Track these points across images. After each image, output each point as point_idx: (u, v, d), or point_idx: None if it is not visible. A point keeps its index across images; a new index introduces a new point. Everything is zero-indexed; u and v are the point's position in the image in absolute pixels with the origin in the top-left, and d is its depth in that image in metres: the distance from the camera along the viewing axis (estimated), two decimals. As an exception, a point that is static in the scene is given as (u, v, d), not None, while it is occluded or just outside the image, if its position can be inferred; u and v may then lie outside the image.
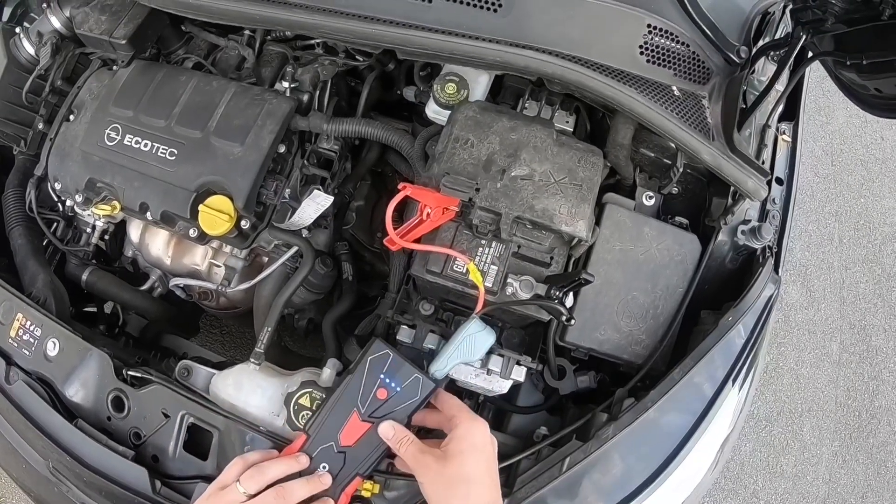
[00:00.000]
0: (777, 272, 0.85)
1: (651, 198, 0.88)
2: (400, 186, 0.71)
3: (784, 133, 0.97)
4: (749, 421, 1.96)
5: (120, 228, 1.10)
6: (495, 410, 0.89)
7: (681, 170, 0.80)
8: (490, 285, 0.74)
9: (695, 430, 0.73)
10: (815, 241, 2.31)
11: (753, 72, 0.88)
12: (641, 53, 0.79)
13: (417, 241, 0.74)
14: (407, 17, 0.76)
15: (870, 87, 0.74)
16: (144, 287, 1.08)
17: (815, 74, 3.00)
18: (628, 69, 0.77)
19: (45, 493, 0.86)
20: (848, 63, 0.72)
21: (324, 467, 0.68)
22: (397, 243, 0.72)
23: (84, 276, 1.01)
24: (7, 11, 1.15)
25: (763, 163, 0.87)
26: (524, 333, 0.84)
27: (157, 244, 1.06)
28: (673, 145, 0.80)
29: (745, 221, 0.85)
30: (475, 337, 0.70)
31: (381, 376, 0.69)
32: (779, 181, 0.94)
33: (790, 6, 0.78)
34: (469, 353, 0.70)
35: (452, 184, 0.73)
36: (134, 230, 1.07)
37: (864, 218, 2.45)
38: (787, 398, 2.02)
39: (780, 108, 0.91)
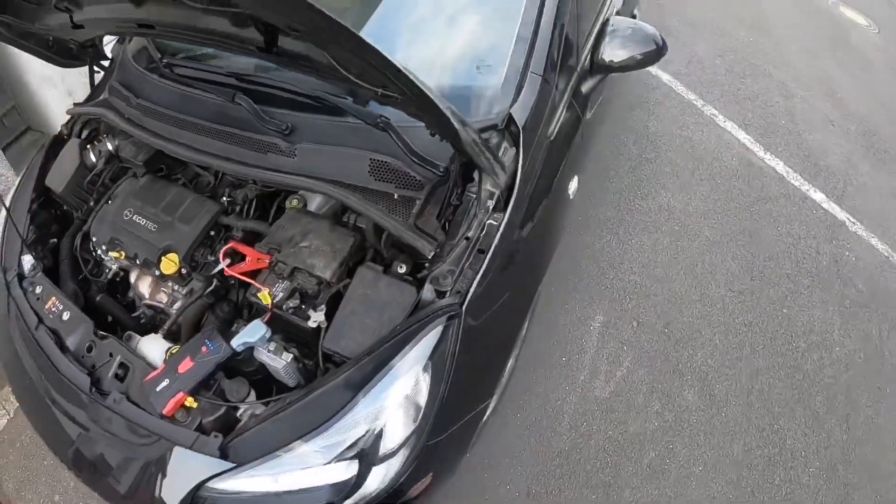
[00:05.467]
0: (462, 306, 1.41)
1: (402, 267, 1.57)
2: (230, 243, 1.53)
3: (493, 219, 1.51)
4: None
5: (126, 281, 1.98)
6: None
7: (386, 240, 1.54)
8: (278, 301, 1.49)
9: (366, 382, 1.35)
10: (720, 349, 2.63)
11: (472, 180, 1.54)
12: (370, 174, 1.54)
13: (243, 274, 1.53)
14: (256, 162, 1.62)
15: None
16: (135, 314, 1.94)
17: (744, 200, 3.49)
18: (363, 184, 1.53)
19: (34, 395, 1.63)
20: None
21: (167, 382, 1.40)
22: (229, 273, 1.51)
23: (98, 298, 1.86)
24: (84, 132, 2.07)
25: (469, 238, 1.48)
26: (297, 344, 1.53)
27: (144, 286, 1.94)
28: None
29: (440, 275, 1.46)
30: (255, 326, 1.44)
31: (206, 341, 1.44)
32: (481, 251, 1.46)
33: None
34: (251, 336, 1.43)
35: (262, 247, 1.53)
36: (132, 277, 1.95)
37: (785, 327, 2.73)
38: (672, 493, 2.25)
39: (492, 202, 1.50)
